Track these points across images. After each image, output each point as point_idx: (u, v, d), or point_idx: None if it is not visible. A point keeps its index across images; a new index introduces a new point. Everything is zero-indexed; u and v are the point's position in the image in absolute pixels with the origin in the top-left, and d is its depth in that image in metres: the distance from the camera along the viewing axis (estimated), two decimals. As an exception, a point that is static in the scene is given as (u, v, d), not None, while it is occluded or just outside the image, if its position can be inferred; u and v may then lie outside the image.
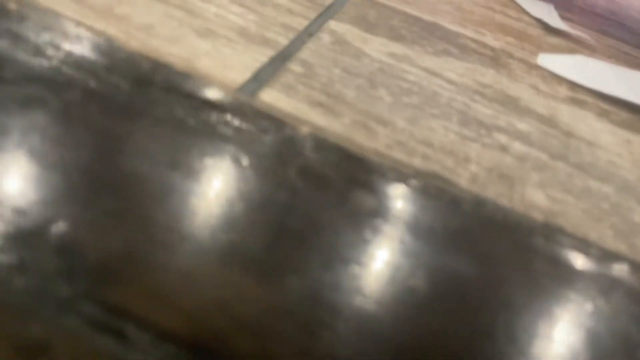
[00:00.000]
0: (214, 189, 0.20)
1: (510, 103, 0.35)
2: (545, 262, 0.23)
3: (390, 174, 0.24)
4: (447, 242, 0.22)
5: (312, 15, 0.38)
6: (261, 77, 0.29)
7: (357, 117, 0.28)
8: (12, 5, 0.27)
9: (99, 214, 0.18)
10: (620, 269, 0.24)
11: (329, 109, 0.28)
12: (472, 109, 0.33)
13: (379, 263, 0.20)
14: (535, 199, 0.26)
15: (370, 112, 0.29)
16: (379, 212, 0.22)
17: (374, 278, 0.19)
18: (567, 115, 0.36)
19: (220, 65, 0.28)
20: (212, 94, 0.25)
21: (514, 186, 0.27)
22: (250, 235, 0.19)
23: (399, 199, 0.23)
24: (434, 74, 0.35)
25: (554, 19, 0.54)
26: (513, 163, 0.29)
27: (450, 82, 0.35)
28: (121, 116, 0.22)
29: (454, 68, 0.37)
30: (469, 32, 0.44)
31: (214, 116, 0.24)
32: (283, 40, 0.33)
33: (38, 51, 0.24)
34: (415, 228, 0.22)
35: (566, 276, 0.22)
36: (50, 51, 0.25)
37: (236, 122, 0.24)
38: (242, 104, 0.26)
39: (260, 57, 0.30)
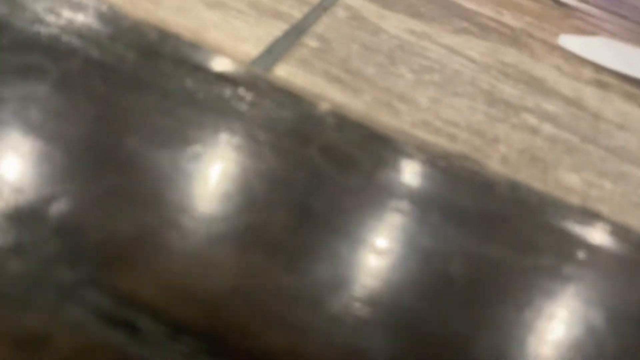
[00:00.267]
0: (230, 167, 0.19)
1: (535, 83, 0.33)
2: (585, 249, 0.21)
3: (417, 154, 0.23)
4: (483, 228, 0.20)
5: (326, -11, 0.36)
6: (275, 51, 0.27)
7: (379, 95, 0.26)
8: (7, -30, 0.25)
9: (104, 192, 0.16)
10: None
11: (348, 86, 0.26)
12: (498, 88, 0.31)
13: (410, 250, 0.18)
14: (570, 182, 0.25)
15: (392, 89, 0.27)
16: (408, 195, 0.20)
17: (405, 266, 0.17)
18: (593, 97, 0.34)
19: (232, 38, 0.26)
20: (224, 66, 0.24)
21: (547, 169, 0.25)
22: (271, 218, 0.17)
23: (429, 180, 0.21)
24: (455, 52, 0.33)
25: None
26: (544, 145, 0.27)
27: (472, 60, 0.33)
28: (127, 88, 0.20)
29: (474, 46, 0.35)
30: (487, 11, 0.42)
31: (227, 90, 0.22)
32: (297, 14, 0.31)
33: (37, 18, 0.22)
34: (448, 212, 0.20)
35: (606, 263, 0.21)
36: (50, 18, 0.23)
37: (250, 96, 0.22)
38: (257, 78, 0.24)
39: (273, 30, 0.28)
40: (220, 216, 0.17)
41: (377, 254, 0.17)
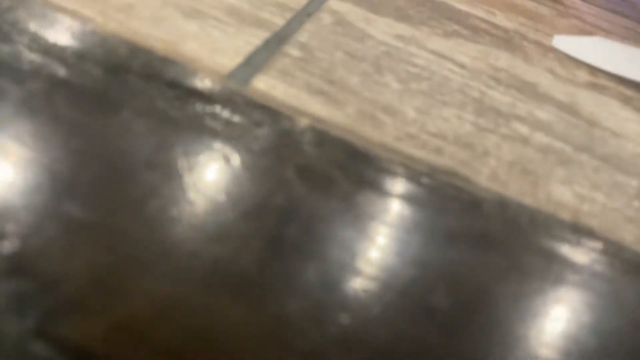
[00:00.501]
0: (200, 193, 0.18)
1: (527, 89, 0.32)
2: (575, 269, 0.20)
3: (401, 171, 0.22)
4: (470, 251, 0.19)
5: (311, -7, 0.35)
6: (254, 62, 0.26)
7: (363, 106, 0.25)
8: (-28, -18, 0.24)
9: (59, 226, 0.15)
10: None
11: (330, 98, 0.25)
12: (488, 96, 0.30)
13: (393, 276, 0.17)
14: (561, 197, 0.24)
15: (377, 100, 0.26)
16: (390, 216, 0.19)
17: (387, 294, 0.16)
18: (589, 102, 0.33)
19: (209, 49, 0.25)
20: (198, 81, 0.22)
21: (538, 183, 0.24)
22: (242, 249, 0.16)
23: (412, 200, 0.20)
24: (444, 57, 0.32)
25: None
26: (535, 156, 0.26)
27: (462, 66, 0.32)
28: (93, 109, 0.19)
29: (465, 51, 0.34)
30: (479, 12, 0.41)
31: (200, 107, 0.21)
32: (279, 21, 0.30)
33: (-1, 34, 0.21)
34: (433, 234, 0.19)
35: (598, 283, 0.20)
36: (13, 34, 0.22)
37: (226, 114, 0.21)
38: (233, 93, 0.23)
39: (253, 39, 0.27)
40: (186, 249, 0.16)
41: (356, 286, 0.16)
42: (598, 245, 0.21)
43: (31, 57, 0.21)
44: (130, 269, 0.14)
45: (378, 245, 0.18)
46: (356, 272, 0.17)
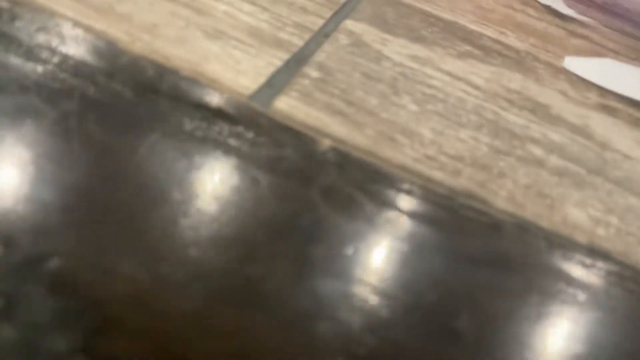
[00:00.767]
0: (228, 213, 0.18)
1: (540, 111, 0.32)
2: (593, 292, 0.20)
3: (421, 193, 0.22)
4: (490, 272, 0.19)
5: (327, 13, 0.35)
6: (276, 83, 0.26)
7: (381, 128, 0.26)
8: (3, 3, 0.25)
9: (99, 247, 0.15)
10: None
11: (350, 119, 0.25)
12: (502, 117, 0.30)
13: (416, 298, 0.17)
14: (577, 219, 0.24)
15: (395, 121, 0.26)
16: (412, 238, 0.20)
17: (412, 316, 0.17)
18: (600, 124, 0.34)
19: (232, 70, 0.26)
20: (223, 103, 0.23)
21: (554, 205, 0.24)
22: (272, 269, 0.17)
23: (433, 222, 0.21)
24: (459, 78, 0.33)
25: (560, 5, 0.53)
26: (551, 179, 0.26)
27: (476, 87, 0.33)
28: (124, 130, 0.20)
29: (478, 72, 0.35)
30: (490, 32, 0.42)
31: (225, 129, 0.22)
32: (298, 42, 0.30)
33: (31, 55, 0.22)
34: (455, 256, 0.19)
35: (616, 307, 0.20)
36: (44, 54, 0.22)
37: (250, 135, 0.22)
38: (257, 114, 0.23)
39: (274, 60, 0.28)
40: (219, 270, 0.16)
41: (381, 307, 0.17)
42: (614, 268, 0.22)
43: (62, 76, 0.21)
44: (166, 289, 0.15)
45: (401, 266, 0.19)
46: (381, 293, 0.17)
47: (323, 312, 0.16)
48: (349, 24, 0.35)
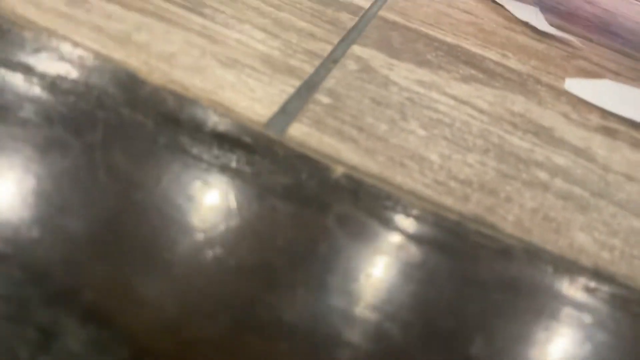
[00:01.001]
0: (250, 241, 0.19)
1: (544, 134, 0.33)
2: (599, 316, 0.21)
3: (432, 219, 0.23)
4: (501, 297, 0.20)
5: (335, 39, 0.36)
6: (289, 110, 0.27)
7: (392, 154, 0.26)
8: (27, 34, 0.26)
9: (128, 277, 0.16)
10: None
11: (361, 145, 0.26)
12: (507, 141, 0.31)
13: (432, 325, 0.18)
14: (582, 243, 0.25)
15: (404, 147, 0.27)
16: (426, 265, 0.20)
17: (426, 342, 0.17)
18: (602, 146, 0.35)
19: (247, 98, 0.27)
20: (240, 132, 0.24)
21: (560, 230, 0.25)
22: (291, 297, 0.17)
23: (445, 249, 0.21)
24: (464, 102, 0.34)
25: (540, 22, 0.54)
26: (556, 203, 0.27)
27: (481, 111, 0.33)
28: (147, 161, 0.21)
29: (482, 95, 0.36)
30: (493, 55, 0.43)
31: (243, 158, 0.22)
32: (308, 68, 0.31)
33: (55, 86, 0.23)
34: (467, 282, 0.20)
35: (623, 331, 0.21)
36: (67, 85, 0.23)
37: (267, 163, 0.23)
38: (272, 142, 0.24)
39: (286, 87, 0.29)
40: (243, 298, 0.17)
41: (399, 334, 0.17)
42: (619, 291, 0.23)
43: (86, 107, 0.22)
44: (196, 319, 0.16)
45: (414, 292, 0.19)
46: (396, 319, 0.18)
47: (341, 339, 0.17)
48: (357, 49, 0.36)
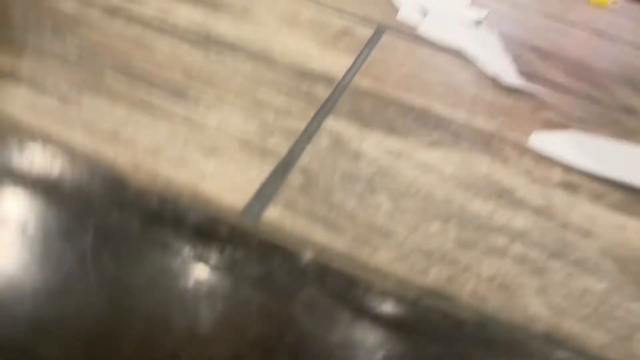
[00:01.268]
0: (224, 336, 0.21)
1: (506, 196, 0.36)
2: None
3: (393, 297, 0.25)
4: (453, 373, 0.22)
5: (311, 113, 0.39)
6: (265, 193, 0.30)
7: (359, 231, 0.29)
8: (21, 138, 0.29)
9: (115, 381, 0.18)
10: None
11: (330, 224, 0.29)
12: (469, 207, 0.34)
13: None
14: (536, 309, 0.27)
15: (372, 222, 0.30)
16: (386, 346, 0.23)
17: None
18: (562, 202, 0.37)
19: (225, 187, 0.29)
20: (216, 224, 0.26)
21: (515, 296, 0.27)
22: (262, 387, 0.20)
23: (404, 327, 0.24)
24: (430, 169, 0.37)
25: (509, 75, 0.56)
26: (512, 269, 0.29)
27: (446, 177, 0.36)
28: (132, 261, 0.23)
29: (448, 158, 0.38)
30: (461, 115, 0.46)
31: (218, 251, 0.25)
32: (284, 148, 0.34)
33: (44, 188, 0.26)
34: None
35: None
36: (56, 187, 0.26)
37: (240, 254, 0.25)
38: (246, 233, 0.27)
39: (262, 171, 0.31)
40: (216, 392, 0.19)
41: (356, 415, 0.20)
42: (572, 356, 0.25)
43: (76, 210, 0.25)
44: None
45: (375, 372, 0.22)
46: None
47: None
48: (330, 122, 0.39)
